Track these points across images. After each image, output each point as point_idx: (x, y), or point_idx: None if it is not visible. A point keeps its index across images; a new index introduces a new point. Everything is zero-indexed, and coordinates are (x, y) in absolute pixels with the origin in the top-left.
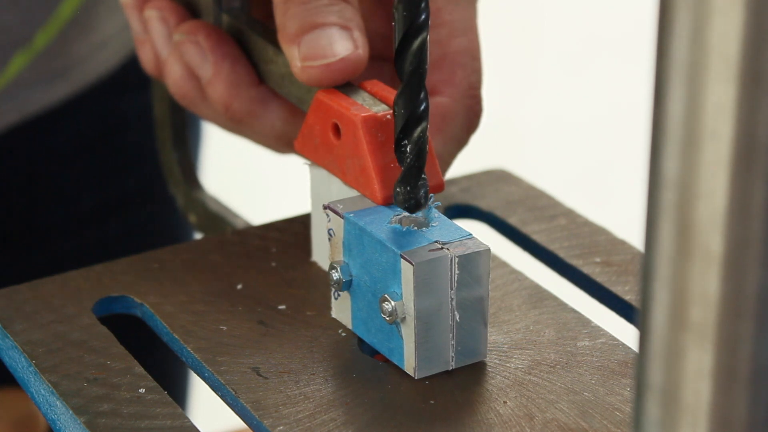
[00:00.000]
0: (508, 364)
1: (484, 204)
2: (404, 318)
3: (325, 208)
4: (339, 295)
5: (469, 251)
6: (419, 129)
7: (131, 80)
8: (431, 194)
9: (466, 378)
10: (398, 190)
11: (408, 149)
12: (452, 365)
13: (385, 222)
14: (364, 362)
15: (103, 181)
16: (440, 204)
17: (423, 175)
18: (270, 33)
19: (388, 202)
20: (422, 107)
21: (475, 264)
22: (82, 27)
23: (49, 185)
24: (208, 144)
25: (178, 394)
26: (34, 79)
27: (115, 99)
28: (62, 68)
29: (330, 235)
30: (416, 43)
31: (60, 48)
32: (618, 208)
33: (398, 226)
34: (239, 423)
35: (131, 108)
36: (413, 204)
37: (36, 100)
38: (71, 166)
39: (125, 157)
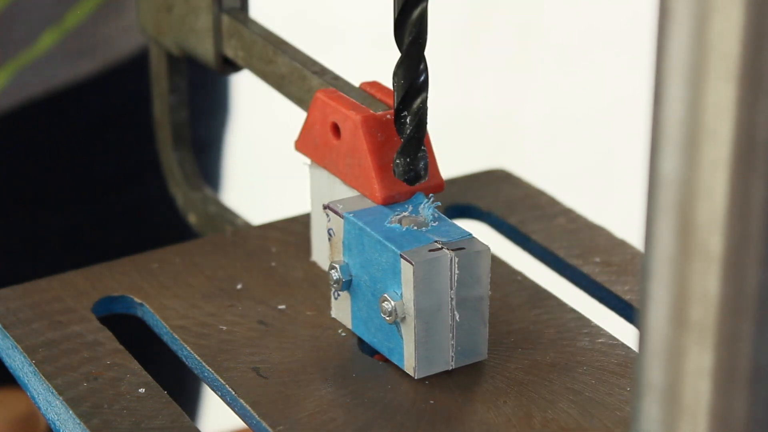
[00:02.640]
0: (508, 364)
1: (484, 204)
2: (404, 318)
3: (325, 208)
4: (339, 294)
5: (468, 251)
6: (419, 100)
7: None
8: (431, 194)
9: (466, 378)
10: (398, 161)
11: (408, 120)
12: (452, 365)
13: (385, 222)
14: (364, 362)
15: (124, 152)
16: (440, 204)
17: (423, 147)
18: (270, 33)
19: (387, 202)
20: (422, 78)
21: (474, 264)
22: (113, 10)
23: (71, 155)
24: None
25: (178, 394)
26: (60, 55)
27: (139, 78)
28: (89, 47)
29: (330, 235)
30: (416, 12)
31: (89, 28)
32: (618, 208)
33: (398, 225)
34: (239, 423)
35: None
36: (413, 176)
37: (61, 76)
38: (94, 139)
39: (147, 131)
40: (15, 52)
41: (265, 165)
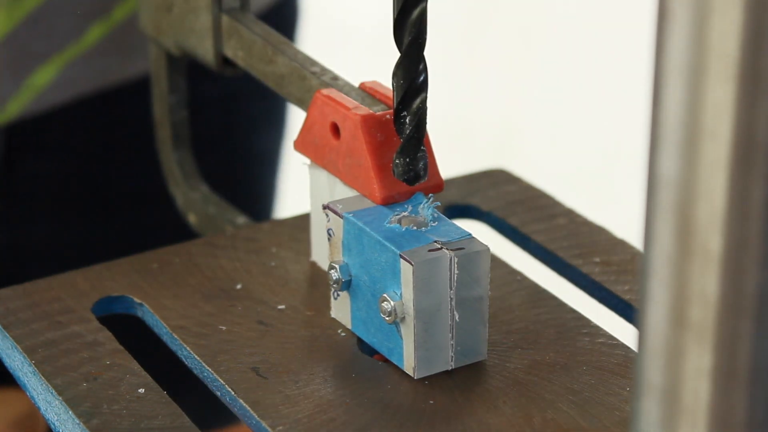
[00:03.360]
0: (507, 364)
1: (484, 204)
2: (404, 318)
3: (324, 208)
4: (338, 295)
5: (468, 251)
6: (418, 100)
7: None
8: (430, 194)
9: (466, 378)
10: (397, 161)
11: (407, 120)
12: (452, 365)
13: (385, 222)
14: (363, 362)
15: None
16: (440, 204)
17: (422, 147)
18: (270, 33)
19: (387, 202)
20: (421, 78)
21: (474, 264)
22: None
23: (124, 156)
24: (206, 147)
25: (178, 393)
26: (110, 50)
27: (196, 82)
28: (139, 43)
29: (329, 235)
30: (415, 12)
31: (136, 22)
32: (618, 208)
33: (397, 225)
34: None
35: (212, 91)
36: (413, 176)
37: (112, 72)
38: (147, 140)
39: (204, 137)
40: (62, 45)
41: (297, 163)
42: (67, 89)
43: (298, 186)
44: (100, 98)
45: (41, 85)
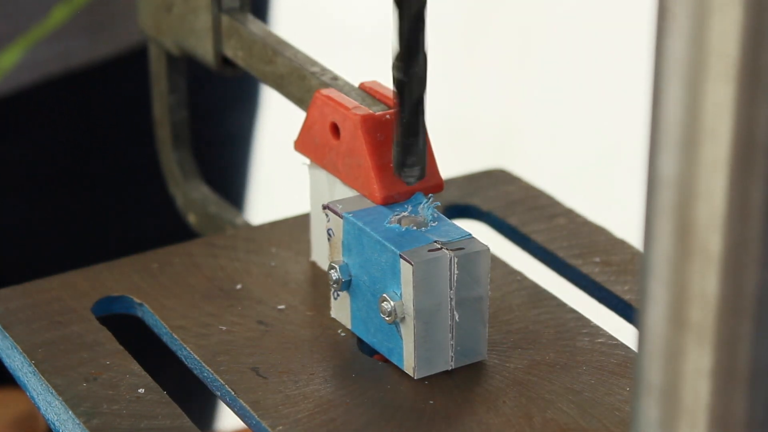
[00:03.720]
0: (507, 364)
1: (483, 204)
2: (403, 318)
3: (324, 208)
4: (338, 295)
5: (468, 251)
6: (419, 89)
7: None
8: (430, 194)
9: (466, 378)
10: (397, 142)
11: (407, 107)
12: (452, 365)
13: (385, 222)
14: (363, 362)
15: (148, 141)
16: (440, 204)
17: (423, 135)
18: (269, 33)
19: (387, 202)
20: (421, 68)
21: (474, 264)
22: None
23: (96, 138)
24: (204, 145)
25: (178, 394)
26: (76, 30)
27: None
28: (105, 21)
29: (329, 235)
30: (416, 2)
31: (101, 3)
32: (618, 208)
33: (397, 225)
34: (239, 423)
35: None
36: (414, 160)
37: (80, 52)
38: (119, 123)
39: None
40: (27, 25)
41: (265, 165)
42: (34, 71)
43: (298, 186)
44: (68, 80)
45: (6, 67)
